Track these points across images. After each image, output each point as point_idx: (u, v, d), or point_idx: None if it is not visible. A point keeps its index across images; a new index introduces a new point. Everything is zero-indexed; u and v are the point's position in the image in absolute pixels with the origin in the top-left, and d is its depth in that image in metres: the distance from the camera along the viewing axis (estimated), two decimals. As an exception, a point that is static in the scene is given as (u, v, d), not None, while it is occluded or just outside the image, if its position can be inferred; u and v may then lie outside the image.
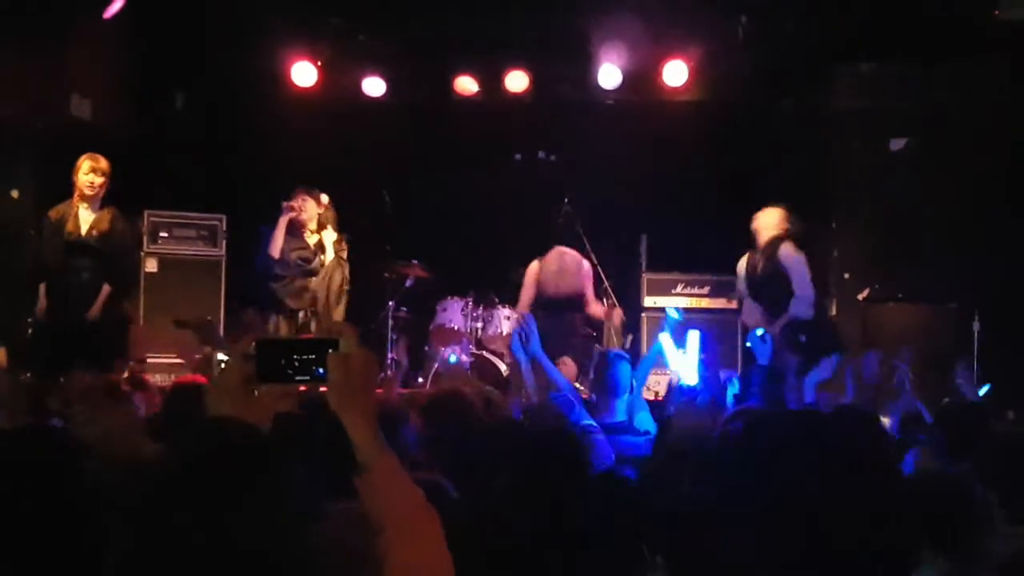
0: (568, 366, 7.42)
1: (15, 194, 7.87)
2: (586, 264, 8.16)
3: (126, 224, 7.34)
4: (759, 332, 6.05)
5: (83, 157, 7.01)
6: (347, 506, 2.14)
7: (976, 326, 7.73)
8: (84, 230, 7.02)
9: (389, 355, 8.56)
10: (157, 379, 7.06)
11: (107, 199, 7.13)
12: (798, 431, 1.35)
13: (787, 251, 6.92)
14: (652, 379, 7.10)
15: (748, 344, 6.07)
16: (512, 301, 8.76)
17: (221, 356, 7.13)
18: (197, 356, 7.57)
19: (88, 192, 6.98)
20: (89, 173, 6.97)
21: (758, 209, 7.18)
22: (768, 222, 7.08)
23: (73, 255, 6.98)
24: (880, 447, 1.31)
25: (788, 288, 6.83)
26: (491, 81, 9.41)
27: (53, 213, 7.04)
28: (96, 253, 7.02)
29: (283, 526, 1.54)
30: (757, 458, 1.34)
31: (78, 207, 7.00)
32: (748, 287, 7.18)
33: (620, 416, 5.19)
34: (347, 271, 8.02)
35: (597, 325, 8.34)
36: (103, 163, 7.03)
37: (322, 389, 1.80)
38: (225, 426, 1.67)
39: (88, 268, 7.01)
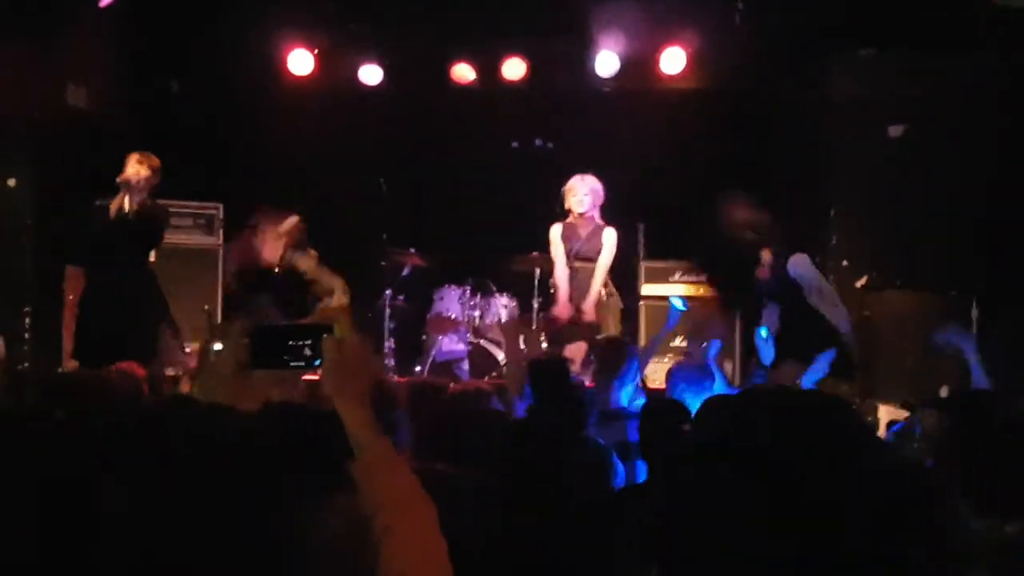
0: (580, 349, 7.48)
1: (12, 182, 7.87)
2: None
3: (162, 208, 7.41)
4: (763, 332, 5.91)
5: (131, 153, 7.07)
6: (342, 495, 2.12)
7: (975, 313, 7.71)
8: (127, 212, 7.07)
9: (386, 344, 8.55)
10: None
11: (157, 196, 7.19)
12: (763, 417, 1.32)
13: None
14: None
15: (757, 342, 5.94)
16: (509, 289, 8.76)
17: (218, 346, 7.06)
18: (188, 350, 7.51)
19: (134, 183, 6.99)
20: (135, 164, 7.02)
21: (755, 196, 7.15)
22: None
23: (112, 234, 7.01)
24: (849, 435, 1.28)
25: None
26: (488, 69, 9.37)
27: (103, 202, 7.08)
28: (134, 231, 7.06)
29: (276, 518, 1.52)
30: (723, 445, 1.32)
31: (124, 197, 7.02)
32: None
33: (623, 402, 5.27)
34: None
35: None
36: (151, 158, 7.10)
37: (315, 376, 1.78)
38: (217, 415, 1.65)
39: (127, 250, 7.08)
